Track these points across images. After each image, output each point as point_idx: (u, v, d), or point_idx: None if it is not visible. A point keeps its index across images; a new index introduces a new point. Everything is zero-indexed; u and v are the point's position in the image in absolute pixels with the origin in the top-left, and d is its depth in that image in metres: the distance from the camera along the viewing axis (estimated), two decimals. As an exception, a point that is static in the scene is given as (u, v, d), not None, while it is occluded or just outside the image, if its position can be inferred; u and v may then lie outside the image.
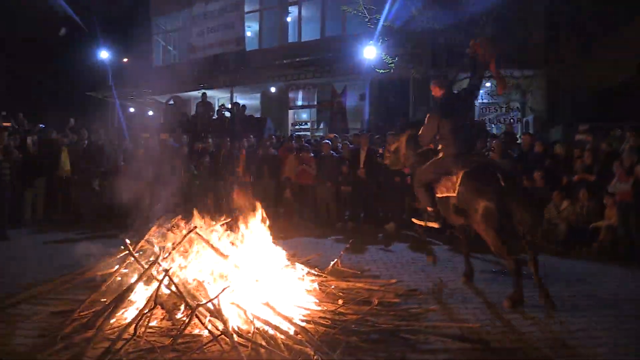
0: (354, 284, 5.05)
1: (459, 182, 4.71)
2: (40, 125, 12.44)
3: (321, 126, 17.31)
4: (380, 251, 7.33)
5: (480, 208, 4.50)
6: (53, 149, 10.27)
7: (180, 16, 21.04)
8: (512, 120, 14.63)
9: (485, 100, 15.25)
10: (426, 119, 5.12)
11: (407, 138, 5.83)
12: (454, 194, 4.77)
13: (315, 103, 18.16)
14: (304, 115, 19.56)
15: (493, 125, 14.92)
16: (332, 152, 9.65)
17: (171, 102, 16.91)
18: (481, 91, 15.93)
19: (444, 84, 5.18)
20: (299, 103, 19.02)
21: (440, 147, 5.09)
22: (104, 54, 23.36)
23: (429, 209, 5.31)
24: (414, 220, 5.83)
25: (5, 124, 11.93)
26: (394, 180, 9.15)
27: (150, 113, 21.63)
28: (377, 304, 4.51)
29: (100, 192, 10.01)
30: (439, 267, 6.23)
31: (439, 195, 5.07)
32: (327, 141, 9.93)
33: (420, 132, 5.28)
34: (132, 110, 22.53)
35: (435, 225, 5.33)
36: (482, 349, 3.79)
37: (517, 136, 12.01)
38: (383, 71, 14.21)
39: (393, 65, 13.94)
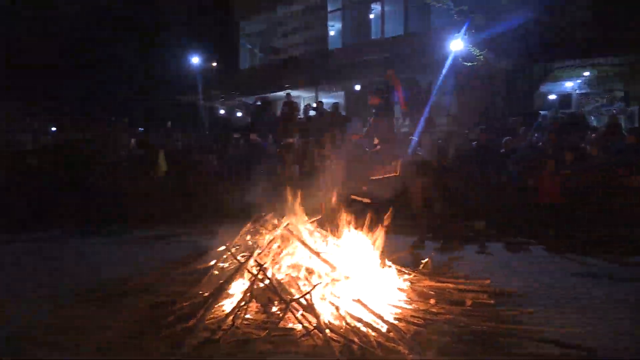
0: (445, 283, 4.93)
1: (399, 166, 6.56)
2: (140, 129, 13.38)
3: (407, 122, 17.06)
4: (471, 250, 7.09)
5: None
6: (151, 151, 10.99)
7: (264, 19, 21.69)
8: (614, 111, 13.56)
9: (583, 91, 14.27)
10: (372, 122, 6.66)
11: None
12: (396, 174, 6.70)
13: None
14: (389, 112, 19.41)
15: (593, 117, 13.92)
16: (419, 148, 9.49)
17: (258, 103, 17.47)
18: (579, 81, 14.96)
19: (379, 94, 6.81)
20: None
21: (376, 142, 6.67)
22: (194, 60, 24.62)
23: (365, 188, 6.69)
24: (353, 197, 6.51)
25: None
26: (483, 177, 8.86)
27: (239, 114, 22.50)
28: (470, 305, 4.38)
29: (194, 192, 10.55)
30: (534, 269, 5.95)
31: (376, 177, 6.60)
32: (414, 137, 9.77)
33: (365, 134, 6.62)
34: (221, 112, 23.54)
35: (368, 200, 6.30)
36: (588, 357, 3.55)
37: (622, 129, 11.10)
38: (470, 64, 13.75)
39: (481, 57, 13.44)
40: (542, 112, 13.80)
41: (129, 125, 14.67)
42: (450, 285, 4.86)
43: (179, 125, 15.90)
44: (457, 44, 13.66)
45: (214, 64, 26.43)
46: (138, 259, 6.63)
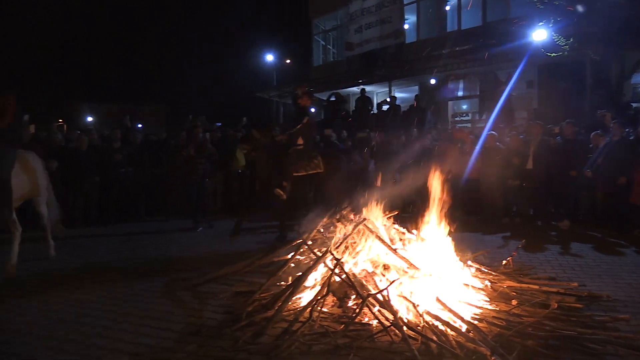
0: (528, 284, 4.72)
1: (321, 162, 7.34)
2: (217, 124, 13.84)
3: (483, 117, 16.49)
4: (555, 251, 6.74)
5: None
6: (229, 146, 11.34)
7: (338, 15, 21.72)
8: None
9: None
10: (305, 122, 7.15)
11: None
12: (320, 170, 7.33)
13: (478, 93, 17.35)
14: (464, 106, 18.84)
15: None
16: (497, 143, 9.13)
17: (332, 98, 17.55)
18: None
19: (312, 97, 7.44)
20: (460, 94, 18.35)
21: (300, 141, 7.14)
22: (269, 57, 25.18)
23: (285, 183, 6.98)
24: (277, 190, 6.97)
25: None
26: (568, 174, 8.37)
27: (312, 110, 22.74)
28: (556, 308, 4.16)
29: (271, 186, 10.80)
30: (624, 271, 5.56)
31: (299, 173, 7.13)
32: (493, 132, 9.40)
33: (298, 131, 7.07)
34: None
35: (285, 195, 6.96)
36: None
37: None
38: (555, 54, 12.99)
39: (567, 47, 12.66)
40: (634, 105, 12.81)
41: (206, 120, 15.21)
42: (534, 286, 4.65)
43: (254, 121, 16.33)
44: (539, 34, 12.96)
45: (288, 61, 26.89)
46: (219, 250, 6.91)
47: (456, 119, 17.95)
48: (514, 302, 4.26)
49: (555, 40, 12.78)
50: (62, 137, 10.11)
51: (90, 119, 38.97)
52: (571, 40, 12.68)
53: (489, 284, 4.57)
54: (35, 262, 6.18)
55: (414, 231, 5.05)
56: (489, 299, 4.32)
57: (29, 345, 3.68)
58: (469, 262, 4.85)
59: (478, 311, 4.05)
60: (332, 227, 5.19)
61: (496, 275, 4.86)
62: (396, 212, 5.24)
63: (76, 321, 4.16)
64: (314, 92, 20.96)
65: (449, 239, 4.92)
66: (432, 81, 17.70)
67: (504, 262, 5.32)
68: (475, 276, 4.68)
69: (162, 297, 4.80)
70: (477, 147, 9.26)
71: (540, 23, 12.99)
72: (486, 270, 4.92)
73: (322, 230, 5.13)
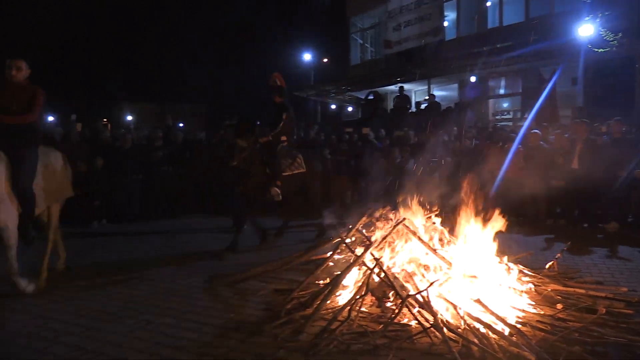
0: (574, 288, 4.56)
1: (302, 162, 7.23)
2: (257, 123, 14.00)
3: (526, 115, 16.06)
4: (602, 254, 6.50)
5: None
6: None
7: (376, 13, 21.58)
8: None
9: None
10: (285, 118, 7.00)
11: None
12: (302, 170, 7.22)
13: (520, 90, 16.92)
14: (505, 105, 18.42)
15: None
16: (541, 142, 8.88)
17: (370, 96, 17.47)
18: None
19: (279, 92, 7.18)
20: (501, 91, 17.94)
21: (284, 138, 7.08)
22: (306, 56, 25.27)
23: (279, 182, 6.85)
24: (274, 190, 6.84)
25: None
26: (616, 174, 8.06)
27: (350, 109, 22.71)
28: (604, 313, 4.01)
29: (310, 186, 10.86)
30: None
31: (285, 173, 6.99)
32: (536, 131, 9.14)
33: (281, 129, 7.01)
34: (333, 107, 23.91)
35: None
36: None
37: None
38: (602, 50, 12.53)
39: (616, 42, 12.18)
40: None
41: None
42: (580, 290, 4.49)
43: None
44: (586, 29, 12.54)
45: (325, 60, 26.92)
46: (258, 248, 6.98)
47: (497, 117, 17.57)
48: (559, 306, 4.13)
49: (603, 35, 12.33)
50: (108, 135, 10.45)
51: (130, 117, 40.12)
52: (619, 35, 12.21)
53: (532, 287, 4.45)
54: (79, 257, 6.38)
55: (454, 232, 4.96)
56: (532, 303, 4.20)
57: (76, 336, 3.81)
58: (512, 264, 4.73)
59: (521, 315, 3.95)
60: (371, 227, 5.17)
61: (540, 278, 4.72)
62: (436, 212, 5.16)
63: (120, 314, 4.28)
64: (350, 91, 21.01)
65: (490, 240, 4.81)
66: (472, 79, 17.37)
67: (548, 264, 5.17)
68: (518, 279, 4.56)
69: (202, 293, 4.89)
70: (520, 147, 9.04)
71: (587, 18, 12.56)
72: (529, 273, 4.78)
73: (361, 229, 5.10)
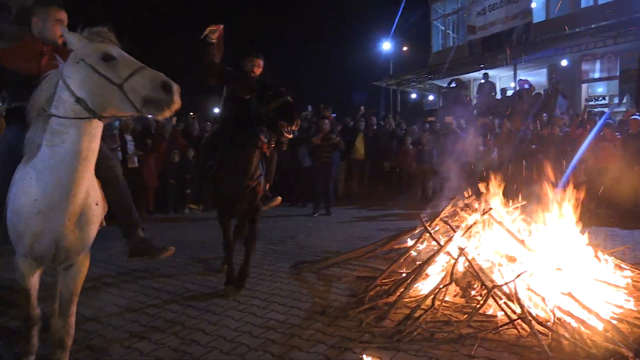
0: (678, 284, 4.27)
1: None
2: (333, 115, 14.12)
3: (624, 100, 14.89)
4: None
5: None
6: (350, 135, 11.56)
7: (458, -1, 20.92)
8: None
9: None
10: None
11: None
12: None
13: (618, 74, 15.70)
14: (600, 89, 17.18)
15: None
16: (642, 129, 8.25)
17: (453, 84, 17.02)
18: None
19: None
20: (596, 75, 16.74)
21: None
22: (386, 45, 24.99)
23: None
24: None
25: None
26: None
27: (431, 98, 22.24)
28: None
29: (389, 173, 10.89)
30: None
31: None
32: (637, 117, 8.50)
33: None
34: (413, 96, 23.53)
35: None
36: None
37: None
38: None
39: None
40: None
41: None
42: (685, 287, 4.19)
43: (373, 110, 16.41)
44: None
45: (405, 48, 26.47)
46: (342, 236, 7.14)
47: (590, 102, 16.44)
48: (660, 303, 3.89)
49: None
50: (197, 127, 11.04)
51: (216, 110, 41.71)
52: None
53: (630, 282, 4.21)
54: (174, 240, 6.84)
55: (542, 222, 4.79)
56: (630, 299, 3.98)
57: (176, 313, 4.14)
58: (607, 257, 4.49)
59: (617, 310, 3.77)
60: (456, 216, 5.11)
61: (639, 274, 4.45)
62: (522, 202, 5.00)
63: (214, 295, 4.58)
64: (432, 79, 20.58)
65: (583, 232, 4.60)
66: (564, 62, 16.35)
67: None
68: (614, 272, 4.33)
69: (288, 278, 5.10)
70: (618, 134, 8.47)
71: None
72: (627, 267, 4.52)
73: (445, 218, 5.07)
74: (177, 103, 2.25)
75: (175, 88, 2.24)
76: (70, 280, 2.77)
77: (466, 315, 3.77)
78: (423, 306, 3.90)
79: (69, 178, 2.42)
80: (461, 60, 18.87)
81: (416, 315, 3.79)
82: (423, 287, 4.32)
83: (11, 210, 2.57)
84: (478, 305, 3.81)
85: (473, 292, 4.14)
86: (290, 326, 3.79)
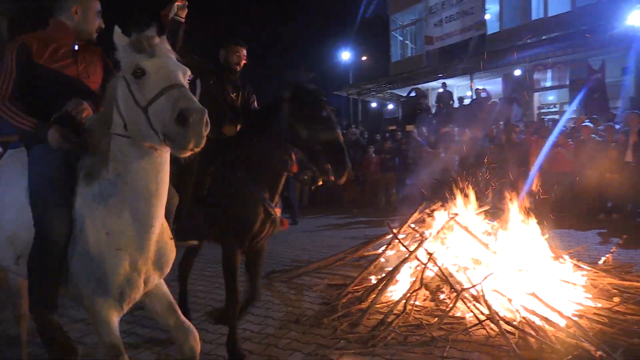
0: (630, 282, 4.53)
1: None
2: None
3: (574, 108, 15.61)
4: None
5: None
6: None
7: (416, 10, 21.44)
8: None
9: None
10: None
11: None
12: None
13: (567, 83, 16.47)
14: (551, 97, 17.96)
15: None
16: (593, 135, 8.70)
17: (413, 93, 17.41)
18: None
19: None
20: (548, 84, 17.50)
21: None
22: (345, 55, 25.33)
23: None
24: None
25: None
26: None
27: (390, 107, 22.65)
28: (663, 307, 3.98)
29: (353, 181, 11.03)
30: None
31: None
32: (588, 123, 8.96)
33: None
34: (373, 105, 23.89)
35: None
36: None
37: None
38: (655, 38, 12.09)
39: (669, 29, 11.74)
40: None
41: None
42: (638, 284, 4.45)
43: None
44: (636, 17, 12.12)
45: (364, 58, 26.89)
46: (310, 245, 7.18)
47: (542, 110, 17.15)
48: (616, 299, 4.12)
49: (656, 22, 11.90)
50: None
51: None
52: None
53: (587, 280, 4.44)
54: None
55: (505, 226, 4.99)
56: (589, 296, 4.20)
57: (150, 328, 4.07)
58: (566, 258, 4.73)
59: (578, 308, 3.97)
60: (423, 222, 5.26)
61: (595, 272, 4.69)
62: (487, 208, 5.20)
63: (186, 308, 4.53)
64: (391, 89, 21.00)
65: (542, 234, 4.83)
66: (517, 72, 17.03)
67: (603, 258, 5.12)
68: (574, 272, 4.55)
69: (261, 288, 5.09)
70: (570, 141, 8.89)
71: (638, 5, 12.15)
72: (584, 267, 4.76)
73: (413, 225, 5.20)
74: (192, 140, 1.83)
75: (196, 118, 1.81)
76: (157, 300, 2.45)
77: (437, 319, 3.90)
78: (395, 311, 4.00)
79: (142, 210, 2.13)
80: (420, 70, 19.33)
81: (389, 320, 3.89)
82: (394, 292, 4.42)
83: (82, 249, 2.17)
84: (448, 308, 3.95)
85: (442, 296, 4.27)
86: (266, 336, 3.81)
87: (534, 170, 8.28)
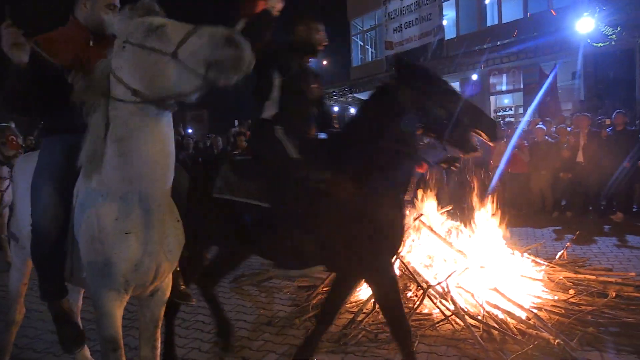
0: (584, 275, 4.80)
1: None
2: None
3: (528, 110, 16.25)
4: (609, 243, 6.71)
5: None
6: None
7: (376, 15, 21.82)
8: None
9: None
10: None
11: None
12: None
13: (521, 86, 17.13)
14: (506, 101, 18.63)
15: None
16: (546, 137, 9.10)
17: (374, 98, 17.65)
18: None
19: None
20: (503, 88, 18.15)
21: None
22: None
23: None
24: None
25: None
26: (620, 166, 8.27)
27: (352, 111, 22.89)
28: (614, 297, 4.25)
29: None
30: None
31: None
32: (541, 125, 9.36)
33: None
34: (335, 109, 24.10)
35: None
36: None
37: None
38: (601, 44, 12.72)
39: (614, 36, 12.38)
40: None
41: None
42: (591, 276, 4.73)
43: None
44: (584, 24, 12.72)
45: (325, 62, 27.14)
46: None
47: (498, 114, 17.77)
48: (571, 291, 4.36)
49: (602, 30, 12.52)
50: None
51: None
52: (618, 29, 12.40)
53: (544, 275, 4.68)
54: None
55: (466, 225, 5.19)
56: (546, 290, 4.43)
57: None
58: (524, 254, 4.96)
59: (537, 301, 4.18)
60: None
61: (552, 267, 4.95)
62: (449, 208, 5.39)
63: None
64: (353, 93, 21.28)
65: (501, 232, 5.05)
66: (474, 77, 17.59)
67: (559, 254, 5.39)
68: (532, 267, 4.79)
69: (230, 292, 5.12)
70: (525, 142, 9.27)
71: (585, 13, 12.76)
72: (541, 262, 5.01)
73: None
74: (246, 59, 1.83)
75: (242, 41, 1.82)
76: (155, 306, 2.44)
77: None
78: (365, 310, 4.12)
79: (147, 188, 2.07)
80: (380, 74, 19.66)
81: (359, 319, 4.00)
82: (362, 292, 4.53)
83: (86, 240, 2.15)
84: (415, 305, 4.09)
85: (409, 293, 4.41)
86: (239, 339, 3.85)
87: (497, 171, 8.59)
